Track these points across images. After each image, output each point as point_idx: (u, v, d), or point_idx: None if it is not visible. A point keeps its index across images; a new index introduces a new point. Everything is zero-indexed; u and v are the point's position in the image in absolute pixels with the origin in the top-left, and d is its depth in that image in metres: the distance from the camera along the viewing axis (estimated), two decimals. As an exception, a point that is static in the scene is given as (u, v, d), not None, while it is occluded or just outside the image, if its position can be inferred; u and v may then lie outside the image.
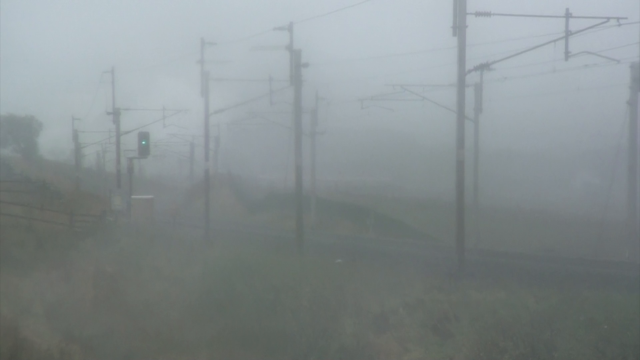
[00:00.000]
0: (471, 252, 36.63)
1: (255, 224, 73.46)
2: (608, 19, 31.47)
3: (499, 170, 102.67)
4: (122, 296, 27.18)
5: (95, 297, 27.12)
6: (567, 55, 32.93)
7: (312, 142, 67.12)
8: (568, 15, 32.23)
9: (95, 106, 75.59)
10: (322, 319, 22.19)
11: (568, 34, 32.20)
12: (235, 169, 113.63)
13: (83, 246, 35.70)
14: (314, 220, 67.77)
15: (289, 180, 47.94)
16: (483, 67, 34.39)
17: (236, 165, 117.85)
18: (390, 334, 21.24)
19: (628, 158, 45.95)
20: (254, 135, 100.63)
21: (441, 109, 48.98)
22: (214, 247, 39.85)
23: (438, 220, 60.45)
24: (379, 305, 22.80)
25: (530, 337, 18.98)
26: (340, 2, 47.54)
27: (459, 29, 29.72)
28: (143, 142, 56.27)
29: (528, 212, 72.30)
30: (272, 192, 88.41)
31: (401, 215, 67.49)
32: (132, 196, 58.55)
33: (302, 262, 32.57)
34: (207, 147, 55.98)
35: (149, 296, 26.95)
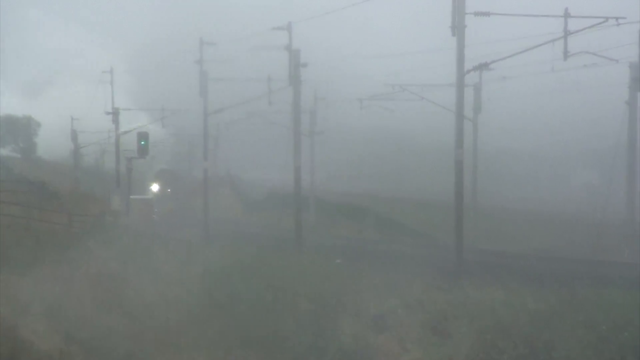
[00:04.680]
0: (470, 252, 36.61)
1: (254, 223, 73.42)
2: (607, 18, 31.46)
3: (498, 170, 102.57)
4: (121, 296, 27.16)
5: (95, 298, 27.08)
6: (566, 55, 32.95)
7: (311, 142, 67.08)
8: (567, 15, 32.25)
9: (94, 106, 75.54)
10: (321, 319, 22.19)
11: (567, 33, 32.22)
12: (234, 169, 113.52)
13: (82, 246, 35.61)
14: (313, 220, 67.73)
15: (288, 180, 47.90)
16: (482, 66, 34.36)
17: (235, 165, 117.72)
18: (389, 334, 21.25)
19: (627, 157, 45.98)
20: (253, 135, 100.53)
21: (440, 108, 48.92)
22: (213, 247, 39.84)
23: (437, 220, 60.41)
24: (378, 305, 22.81)
25: (529, 337, 19.01)
26: (339, 2, 47.49)
27: (458, 28, 29.76)
28: (142, 142, 56.26)
29: (527, 211, 72.23)
30: (271, 192, 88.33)
31: (400, 215, 67.43)
32: (131, 196, 58.53)
33: (301, 262, 32.56)
34: (206, 147, 55.92)
35: (148, 296, 26.93)
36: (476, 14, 30.53)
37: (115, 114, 63.86)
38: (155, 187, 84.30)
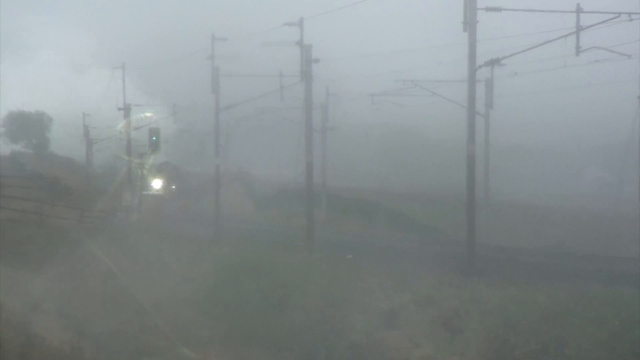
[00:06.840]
0: (481, 248, 36.53)
1: (264, 220, 73.41)
2: (619, 14, 31.29)
3: (510, 166, 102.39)
4: (131, 293, 27.24)
5: (105, 294, 27.21)
6: (578, 50, 32.79)
7: (323, 138, 66.98)
8: (579, 10, 32.13)
9: (106, 102, 75.70)
10: (331, 315, 22.18)
11: (579, 29, 32.08)
12: (244, 165, 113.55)
13: (93, 242, 35.72)
14: (324, 217, 67.65)
15: (299, 177, 47.84)
16: (494, 62, 34.23)
17: (246, 161, 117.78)
18: (400, 330, 21.22)
19: (639, 153, 45.80)
20: (264, 131, 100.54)
21: (452, 104, 48.82)
22: (223, 244, 39.87)
23: (448, 216, 60.36)
24: (388, 301, 22.77)
25: (541, 333, 18.95)
26: (350, -2, 47.39)
27: (470, 24, 29.66)
28: (154, 138, 56.34)
29: (538, 207, 72.08)
30: (281, 188, 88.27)
31: (411, 211, 67.40)
32: (143, 192, 58.65)
33: (311, 260, 32.55)
34: (218, 143, 55.86)
35: (158, 293, 27.00)
36: (488, 9, 30.42)
37: (126, 109, 63.95)
38: (157, 184, 72.10)
